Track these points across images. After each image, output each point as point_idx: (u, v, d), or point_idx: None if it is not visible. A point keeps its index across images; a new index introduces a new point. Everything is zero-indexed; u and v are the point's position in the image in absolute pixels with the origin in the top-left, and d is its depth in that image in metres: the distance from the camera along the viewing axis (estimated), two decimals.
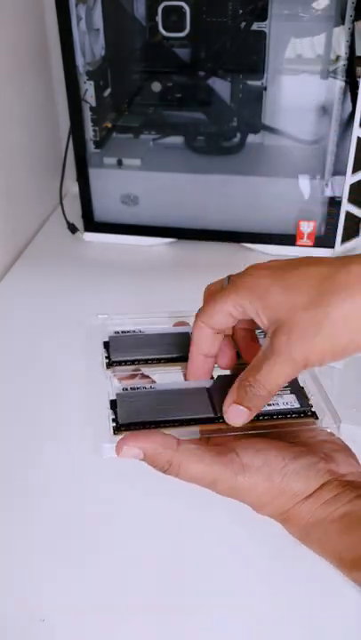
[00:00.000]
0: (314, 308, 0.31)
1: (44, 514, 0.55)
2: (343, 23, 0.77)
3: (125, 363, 0.39)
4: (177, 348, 0.40)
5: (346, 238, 0.90)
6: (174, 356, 0.39)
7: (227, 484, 0.31)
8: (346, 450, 0.34)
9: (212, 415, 0.35)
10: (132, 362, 0.39)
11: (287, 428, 0.35)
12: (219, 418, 0.34)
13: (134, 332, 0.41)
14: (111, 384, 0.38)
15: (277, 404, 0.36)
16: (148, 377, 0.39)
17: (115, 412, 0.35)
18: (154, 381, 0.39)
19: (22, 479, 0.58)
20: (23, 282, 0.88)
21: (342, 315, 0.30)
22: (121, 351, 0.39)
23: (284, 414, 0.35)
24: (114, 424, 0.34)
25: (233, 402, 0.33)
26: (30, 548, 0.53)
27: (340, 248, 0.90)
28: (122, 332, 0.41)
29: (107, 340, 0.41)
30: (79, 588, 0.50)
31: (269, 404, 0.35)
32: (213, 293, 0.35)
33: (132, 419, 0.34)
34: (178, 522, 0.54)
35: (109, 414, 0.35)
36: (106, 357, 0.39)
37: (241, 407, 0.33)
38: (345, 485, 0.31)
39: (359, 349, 0.31)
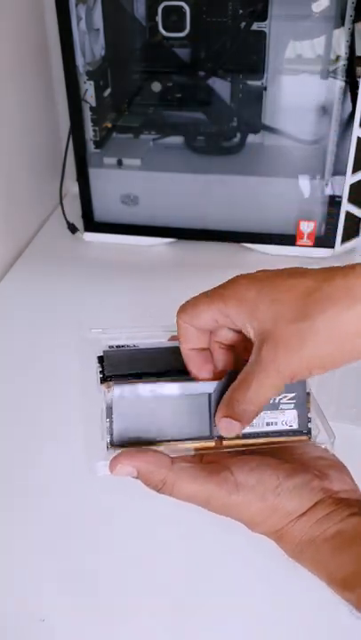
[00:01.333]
0: (299, 321, 0.31)
1: (43, 514, 0.55)
2: (343, 24, 0.77)
3: (120, 377, 0.38)
4: (171, 363, 0.39)
5: (346, 238, 0.90)
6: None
7: (220, 502, 0.31)
8: (340, 467, 0.34)
9: (207, 434, 0.35)
10: (126, 376, 0.38)
11: (282, 444, 0.35)
12: (214, 437, 0.34)
13: (129, 346, 0.41)
14: (105, 399, 0.38)
15: (276, 424, 0.35)
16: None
17: (110, 423, 0.35)
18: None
19: (22, 479, 0.58)
20: (23, 282, 0.88)
21: (327, 327, 0.30)
22: (115, 366, 0.39)
23: (280, 433, 0.35)
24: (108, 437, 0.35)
25: (223, 416, 0.33)
26: (30, 548, 0.53)
27: (340, 248, 0.90)
28: (116, 346, 0.41)
29: (101, 354, 0.40)
30: (79, 588, 0.50)
31: (268, 424, 0.35)
32: (195, 298, 0.35)
33: (125, 438, 0.34)
34: (178, 521, 0.54)
35: (105, 426, 0.35)
36: (100, 372, 0.39)
37: (232, 421, 0.33)
38: (338, 503, 0.31)
39: (347, 360, 0.31)
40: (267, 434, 0.35)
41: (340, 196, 0.86)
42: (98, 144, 0.91)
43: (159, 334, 0.41)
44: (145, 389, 0.36)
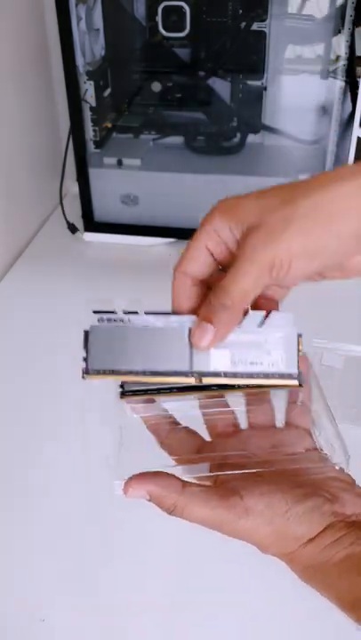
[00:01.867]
0: (283, 206, 0.30)
1: (44, 514, 0.55)
2: (343, 25, 0.77)
3: (138, 392, 0.38)
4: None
5: None
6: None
7: (230, 526, 0.31)
8: (354, 488, 0.34)
9: (186, 370, 0.33)
10: (146, 391, 0.38)
11: (294, 465, 0.34)
12: (193, 374, 0.33)
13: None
14: (123, 416, 0.37)
15: (261, 365, 0.33)
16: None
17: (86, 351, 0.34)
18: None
19: (22, 479, 0.58)
20: (23, 282, 0.88)
21: (312, 206, 0.29)
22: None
23: (266, 375, 0.33)
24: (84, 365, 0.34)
25: (200, 320, 0.32)
26: (30, 548, 0.53)
27: None
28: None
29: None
30: (79, 588, 0.50)
31: (252, 363, 0.33)
32: (188, 244, 0.34)
33: (101, 367, 0.33)
34: (178, 521, 0.54)
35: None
36: (120, 387, 0.38)
37: (207, 324, 0.32)
38: (350, 527, 0.31)
39: (337, 243, 0.30)
40: (251, 375, 0.33)
41: None
42: (98, 144, 0.91)
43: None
44: (123, 318, 0.34)
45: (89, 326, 0.34)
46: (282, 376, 0.33)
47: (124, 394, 0.38)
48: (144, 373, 0.33)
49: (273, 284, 0.32)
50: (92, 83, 0.86)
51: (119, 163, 0.92)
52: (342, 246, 0.30)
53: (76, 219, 0.97)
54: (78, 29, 0.81)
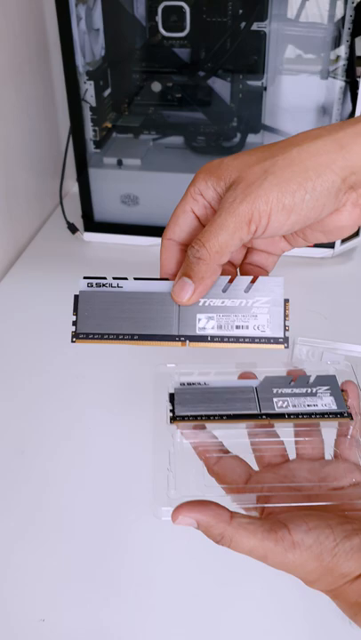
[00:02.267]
0: (262, 161, 0.31)
1: (44, 514, 0.55)
2: (343, 25, 0.77)
3: (189, 418, 0.38)
4: (242, 403, 0.39)
5: (346, 238, 0.90)
6: (239, 413, 0.38)
7: (277, 559, 0.31)
8: None
9: (174, 334, 0.34)
10: (196, 417, 0.38)
11: (342, 499, 0.35)
12: (180, 337, 0.34)
13: (200, 384, 0.40)
14: (174, 442, 0.38)
15: (247, 328, 0.34)
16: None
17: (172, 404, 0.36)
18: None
19: (22, 479, 0.58)
20: (23, 282, 0.88)
21: (289, 162, 0.30)
22: (185, 405, 0.39)
23: (252, 339, 0.34)
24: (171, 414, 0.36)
25: (180, 275, 0.33)
26: (30, 547, 0.53)
27: (340, 248, 0.90)
28: (187, 383, 0.40)
29: (172, 391, 0.40)
30: (79, 587, 0.50)
31: (238, 327, 0.34)
32: (171, 216, 0.35)
33: (90, 331, 0.34)
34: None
35: (167, 406, 0.37)
36: (170, 411, 0.39)
37: (185, 279, 0.32)
38: None
39: (311, 197, 0.30)
40: (237, 339, 0.34)
41: None
42: (98, 144, 0.91)
43: (231, 370, 0.41)
44: (112, 283, 0.35)
45: (78, 291, 0.35)
46: (268, 340, 0.34)
47: (174, 418, 0.38)
48: (132, 338, 0.34)
49: (254, 239, 0.33)
50: (91, 83, 0.86)
51: (119, 163, 0.92)
52: (318, 202, 0.31)
53: (76, 219, 0.97)
54: (78, 29, 0.81)
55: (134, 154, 0.92)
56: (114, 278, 0.35)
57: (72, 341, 0.34)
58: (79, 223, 0.96)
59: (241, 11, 0.81)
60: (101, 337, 0.34)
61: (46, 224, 1.03)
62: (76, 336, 0.34)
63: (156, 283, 0.35)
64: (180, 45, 0.86)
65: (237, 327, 0.34)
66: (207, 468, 0.38)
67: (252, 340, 0.34)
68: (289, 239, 0.36)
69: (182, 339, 0.34)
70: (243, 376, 0.41)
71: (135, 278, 0.35)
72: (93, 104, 0.87)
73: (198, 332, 0.34)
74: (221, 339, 0.33)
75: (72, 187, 1.06)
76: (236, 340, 0.34)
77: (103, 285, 0.35)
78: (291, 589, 0.47)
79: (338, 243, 0.90)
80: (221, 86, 0.88)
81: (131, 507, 0.55)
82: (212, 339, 0.34)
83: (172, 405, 0.39)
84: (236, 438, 0.39)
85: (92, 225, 0.96)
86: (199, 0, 0.81)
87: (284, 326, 0.34)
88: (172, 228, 0.35)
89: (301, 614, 0.47)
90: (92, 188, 0.93)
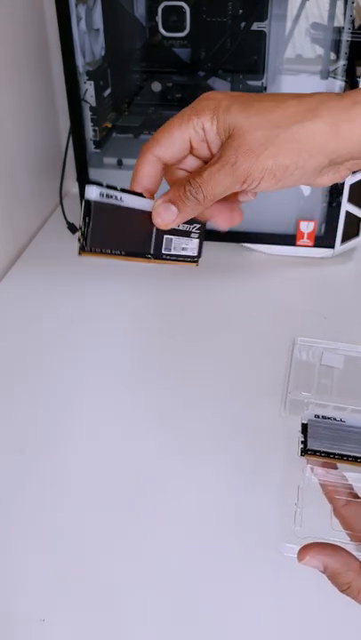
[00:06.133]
0: (266, 129, 0.34)
1: (44, 513, 0.55)
2: (343, 25, 0.77)
3: (321, 454, 0.38)
4: None
5: (346, 238, 0.90)
6: None
7: None
8: None
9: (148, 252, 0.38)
10: (329, 454, 0.38)
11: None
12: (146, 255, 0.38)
13: (335, 419, 0.40)
14: (303, 476, 0.37)
15: (186, 250, 0.39)
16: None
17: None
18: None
19: (22, 479, 0.58)
20: (23, 281, 0.88)
21: (289, 138, 0.34)
22: (319, 439, 0.38)
23: (185, 258, 0.39)
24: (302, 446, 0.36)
25: (166, 200, 0.35)
26: (30, 547, 0.52)
27: (340, 248, 0.90)
28: (322, 416, 0.40)
29: (306, 422, 0.39)
30: (79, 588, 0.50)
31: (183, 249, 0.38)
32: (165, 125, 0.37)
33: (97, 246, 0.36)
34: (178, 521, 0.54)
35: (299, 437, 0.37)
36: (302, 442, 0.38)
37: (173, 207, 0.35)
38: None
39: (299, 173, 0.34)
40: (177, 257, 0.39)
41: (340, 196, 0.86)
42: (98, 144, 0.91)
43: None
44: (118, 196, 0.36)
45: (88, 197, 0.35)
46: (192, 259, 0.39)
47: (305, 452, 0.38)
48: (121, 253, 0.36)
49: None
50: (91, 83, 0.86)
51: (119, 163, 0.92)
52: (303, 176, 0.35)
53: (76, 219, 0.97)
54: (78, 29, 0.81)
55: (134, 154, 0.91)
56: (107, 187, 0.35)
57: (78, 254, 0.35)
58: (79, 223, 0.96)
59: (241, 10, 0.81)
60: (105, 251, 0.36)
61: (46, 224, 1.03)
62: (90, 248, 0.35)
63: (144, 200, 0.37)
64: (180, 45, 0.86)
65: (183, 249, 0.38)
66: (334, 510, 0.38)
67: (184, 259, 0.39)
68: None
69: (150, 256, 0.38)
70: None
71: (121, 190, 0.36)
72: (93, 104, 0.87)
73: (164, 252, 0.38)
74: (176, 258, 0.38)
75: (72, 187, 1.06)
76: (176, 259, 0.39)
77: (110, 197, 0.35)
78: None
79: (338, 243, 0.90)
80: (221, 86, 0.88)
81: (131, 506, 0.55)
82: (169, 257, 0.38)
83: (305, 437, 0.38)
84: None
85: None
86: (199, 0, 0.81)
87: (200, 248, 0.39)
88: (163, 147, 0.37)
89: None
90: None
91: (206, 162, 0.37)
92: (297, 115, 0.34)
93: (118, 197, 0.35)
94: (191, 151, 0.37)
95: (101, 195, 0.35)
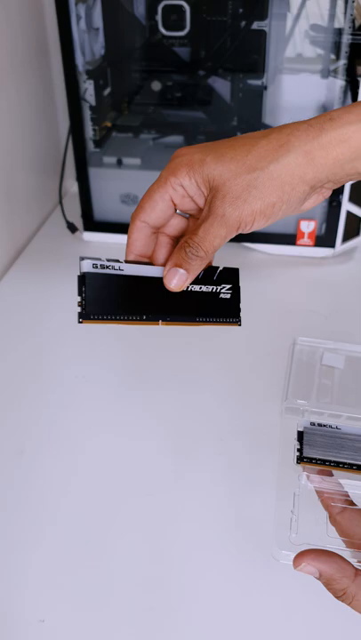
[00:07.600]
0: (245, 174, 0.35)
1: (44, 514, 0.55)
2: (344, 24, 0.77)
3: (317, 461, 0.38)
4: None
5: (346, 238, 0.90)
6: None
7: None
8: None
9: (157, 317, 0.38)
10: (325, 462, 0.38)
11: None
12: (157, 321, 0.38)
13: (331, 426, 0.40)
14: (299, 484, 0.37)
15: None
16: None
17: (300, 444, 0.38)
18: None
19: (22, 479, 0.58)
20: (23, 281, 0.88)
21: (269, 177, 0.35)
22: (315, 447, 0.38)
23: (217, 320, 0.39)
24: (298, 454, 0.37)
25: (173, 265, 0.37)
26: (30, 548, 0.52)
27: (340, 247, 0.90)
28: (318, 424, 0.40)
29: (301, 429, 0.40)
30: (79, 588, 0.49)
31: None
32: (146, 193, 0.39)
33: (96, 314, 0.37)
34: (179, 521, 0.54)
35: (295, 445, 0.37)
36: (298, 450, 0.39)
37: (180, 269, 0.37)
38: None
39: (286, 207, 0.36)
40: (205, 318, 0.39)
41: (341, 196, 0.86)
42: (97, 143, 0.91)
43: None
44: (114, 265, 0.37)
45: (80, 272, 0.37)
46: (226, 321, 0.39)
47: (301, 459, 0.38)
48: (130, 319, 0.37)
49: None
50: (91, 82, 0.86)
51: (119, 162, 0.92)
52: (290, 207, 0.37)
53: (76, 218, 0.97)
54: (78, 28, 0.81)
55: (134, 153, 0.92)
56: (108, 260, 0.38)
57: (79, 322, 0.36)
58: (79, 223, 0.96)
59: (241, 10, 0.81)
60: (105, 318, 0.36)
61: (46, 223, 1.02)
62: (85, 317, 0.36)
63: (148, 268, 0.38)
64: (180, 44, 0.86)
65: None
66: (330, 517, 0.38)
67: (217, 321, 0.39)
68: None
69: (168, 319, 0.38)
70: None
71: (126, 261, 0.38)
72: (93, 103, 0.87)
73: (178, 314, 0.39)
74: (195, 320, 0.39)
75: (72, 186, 1.06)
76: (205, 320, 0.39)
77: (106, 267, 0.37)
78: None
79: (338, 242, 0.90)
80: (222, 85, 0.88)
81: (131, 506, 0.55)
82: (187, 318, 0.39)
83: (300, 445, 0.38)
84: None
85: (92, 224, 0.95)
86: None
87: (239, 308, 0.40)
88: (147, 212, 0.39)
89: None
90: (92, 188, 0.93)
91: (195, 214, 0.39)
92: (270, 153, 0.35)
93: (117, 267, 0.37)
94: (177, 211, 0.39)
95: (94, 266, 0.37)
